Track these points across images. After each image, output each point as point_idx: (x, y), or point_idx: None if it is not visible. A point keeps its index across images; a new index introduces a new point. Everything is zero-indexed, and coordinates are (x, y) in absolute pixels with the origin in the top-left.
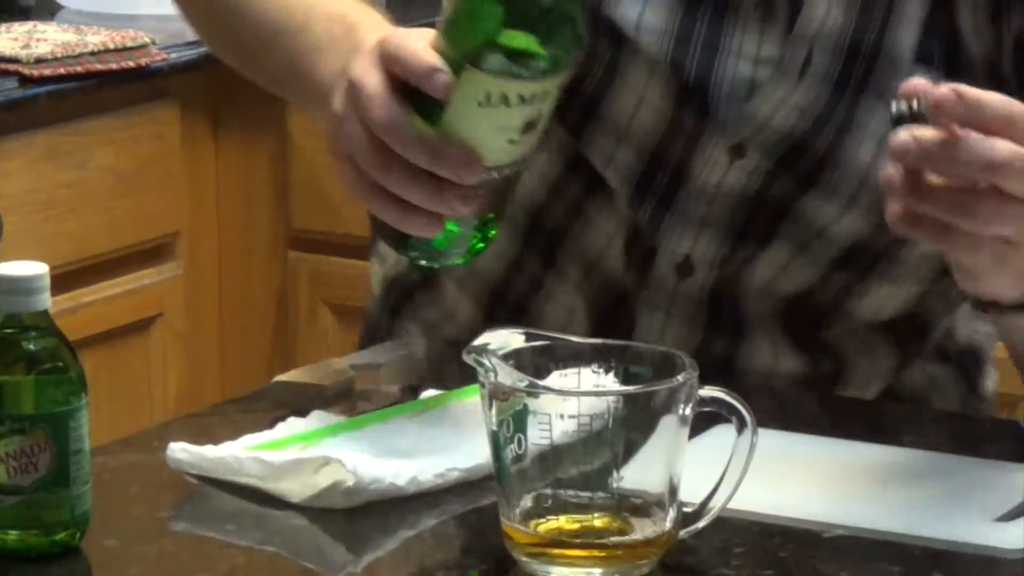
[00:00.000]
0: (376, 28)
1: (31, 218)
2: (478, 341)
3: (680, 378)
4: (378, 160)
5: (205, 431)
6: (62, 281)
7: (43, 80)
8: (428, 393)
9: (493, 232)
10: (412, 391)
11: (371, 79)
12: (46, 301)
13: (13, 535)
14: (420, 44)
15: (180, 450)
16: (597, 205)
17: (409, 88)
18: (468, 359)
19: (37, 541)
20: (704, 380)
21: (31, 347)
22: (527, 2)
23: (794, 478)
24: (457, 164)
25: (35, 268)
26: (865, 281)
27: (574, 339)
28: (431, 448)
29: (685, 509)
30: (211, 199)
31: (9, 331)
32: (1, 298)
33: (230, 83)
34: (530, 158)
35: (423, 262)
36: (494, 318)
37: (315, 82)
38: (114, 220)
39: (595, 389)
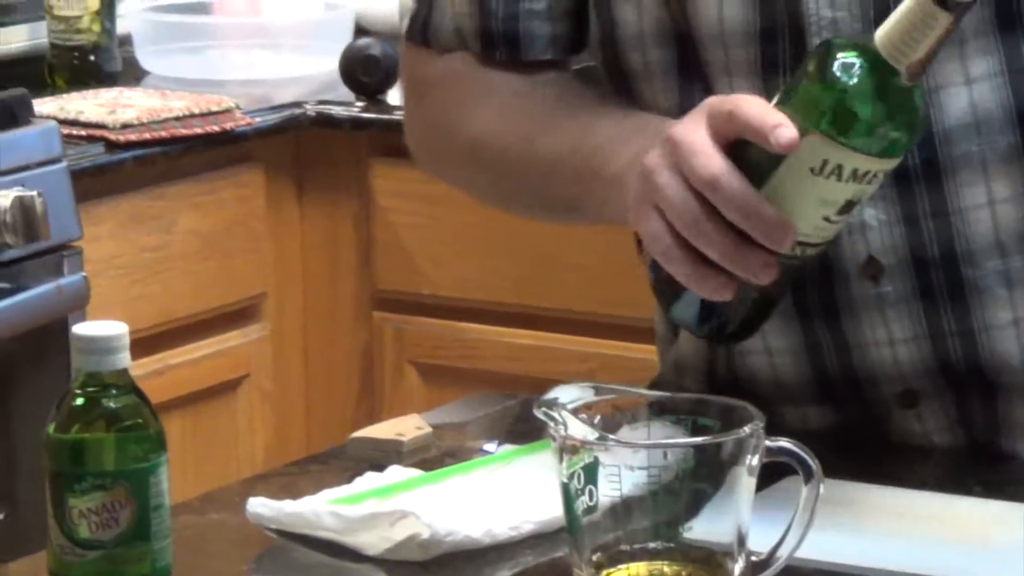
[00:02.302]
0: (669, 121)
1: (117, 282)
2: (548, 395)
3: (747, 429)
4: (690, 213)
5: (285, 487)
6: (148, 344)
7: (129, 145)
8: (505, 448)
9: (766, 317)
10: (490, 447)
11: (696, 135)
12: (126, 360)
13: None
14: (761, 103)
15: (260, 505)
16: None
17: (730, 151)
18: (538, 413)
19: None
20: None
21: (111, 405)
22: (886, 78)
23: (863, 527)
24: (772, 227)
25: (115, 328)
26: None
27: (643, 392)
28: (506, 501)
29: (753, 558)
30: (296, 260)
31: (90, 390)
32: (82, 357)
33: (314, 145)
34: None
35: (690, 328)
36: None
37: (610, 174)
38: (199, 283)
39: (664, 441)
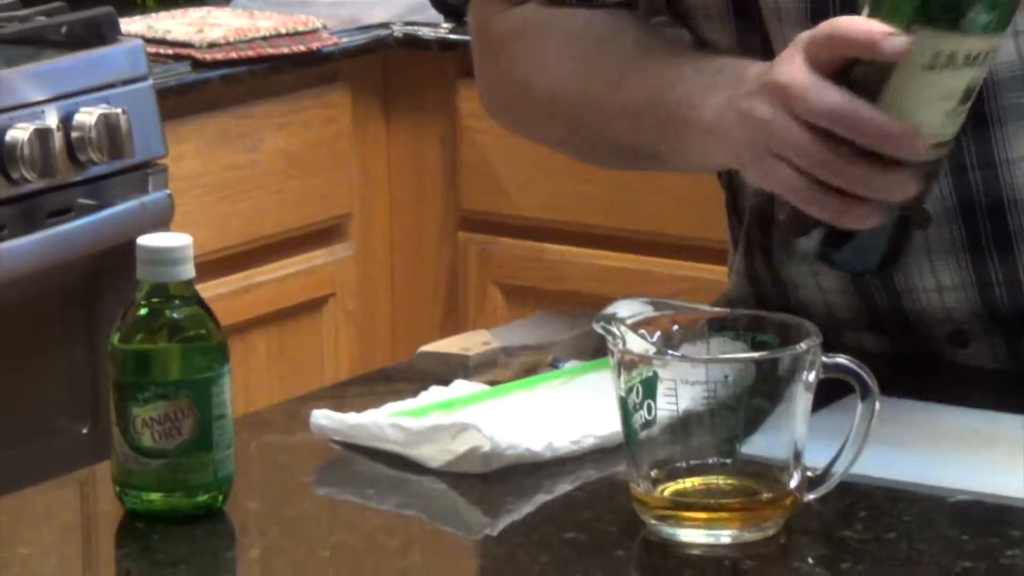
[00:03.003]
0: (745, 61)
1: (202, 200)
2: (607, 310)
3: (804, 345)
4: (819, 153)
5: (351, 401)
6: (233, 262)
7: (215, 64)
8: (570, 364)
9: (911, 235)
10: (555, 364)
11: (800, 73)
12: (190, 271)
13: (157, 497)
14: (856, 19)
15: (323, 417)
16: None
17: (835, 77)
18: (597, 327)
19: (180, 503)
20: None
21: (175, 315)
22: None
23: (921, 444)
24: (905, 139)
25: (179, 239)
26: None
27: (703, 308)
28: (569, 416)
29: (809, 474)
30: (382, 180)
31: (155, 300)
32: (146, 268)
33: (400, 67)
34: None
35: (850, 267)
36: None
37: (702, 124)
38: (285, 202)
39: (722, 356)
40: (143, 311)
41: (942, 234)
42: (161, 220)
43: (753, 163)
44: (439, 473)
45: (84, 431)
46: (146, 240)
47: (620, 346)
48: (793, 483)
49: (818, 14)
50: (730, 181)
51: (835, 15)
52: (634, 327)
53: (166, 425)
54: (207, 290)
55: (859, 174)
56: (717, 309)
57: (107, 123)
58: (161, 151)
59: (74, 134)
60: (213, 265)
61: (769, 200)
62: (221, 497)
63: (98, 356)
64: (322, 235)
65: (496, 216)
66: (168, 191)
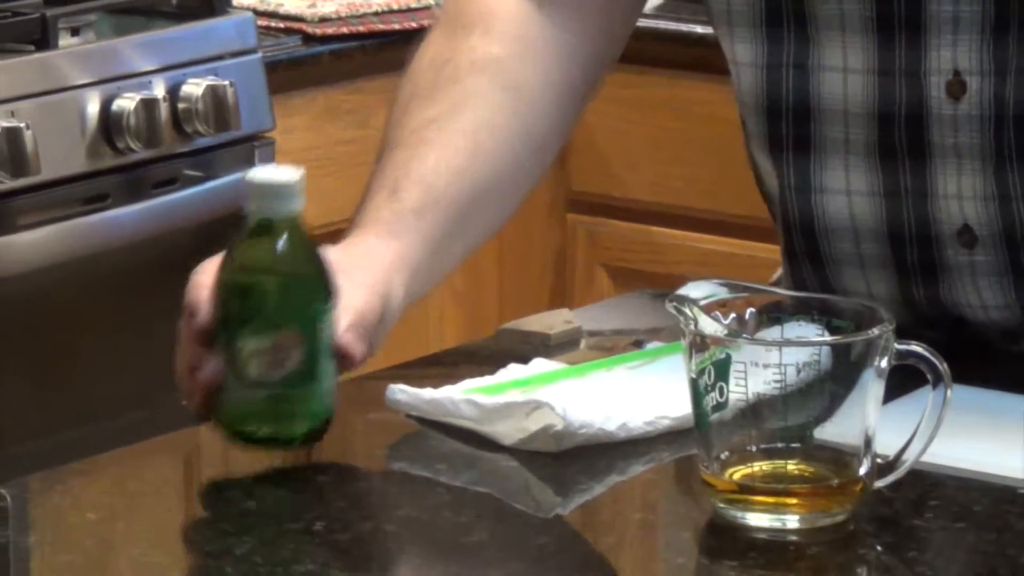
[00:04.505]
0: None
1: (310, 174)
2: (681, 291)
3: (876, 331)
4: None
5: (430, 375)
6: (340, 237)
7: (326, 39)
8: (653, 345)
9: None
10: (637, 344)
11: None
12: (299, 205)
13: (260, 428)
14: None
15: (399, 391)
16: None
17: None
18: (670, 308)
19: (284, 431)
20: None
21: (284, 249)
22: None
23: (994, 434)
24: None
25: (289, 173)
26: None
27: (777, 291)
28: (646, 396)
29: (879, 461)
30: None
31: (263, 234)
32: (256, 202)
33: None
34: None
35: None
36: None
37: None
38: None
39: (794, 340)
40: (251, 244)
41: (987, 256)
42: None
43: None
44: (512, 451)
45: (184, 402)
46: (256, 174)
47: (692, 327)
48: (863, 470)
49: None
50: (762, 190)
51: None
52: (707, 308)
53: (272, 356)
54: None
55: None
56: (791, 292)
57: (214, 95)
58: (269, 124)
59: (181, 105)
60: (320, 240)
61: (808, 206)
62: (322, 430)
63: None
64: None
65: (605, 198)
66: (275, 164)
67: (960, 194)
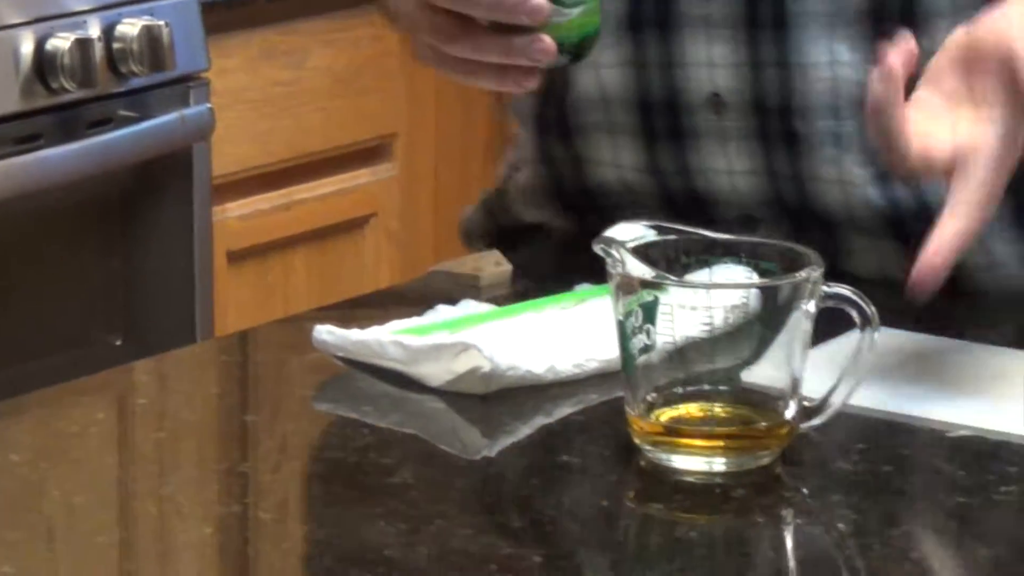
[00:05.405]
0: None
1: (245, 115)
2: (608, 232)
3: (804, 273)
4: (446, 32)
5: (358, 317)
6: (275, 179)
7: None
8: (583, 286)
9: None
10: (567, 285)
11: None
12: None
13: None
14: None
15: (326, 332)
16: None
17: None
18: (597, 249)
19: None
20: None
21: None
22: None
23: (923, 378)
24: (520, 7)
25: None
26: None
27: (706, 233)
28: (574, 338)
29: (806, 403)
30: (429, 101)
31: None
32: None
33: None
34: None
35: None
36: None
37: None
38: (330, 120)
39: (721, 282)
40: None
41: (737, 122)
42: (201, 134)
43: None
44: (439, 392)
45: (118, 343)
46: None
47: (619, 269)
48: (790, 413)
49: None
50: None
51: None
52: (634, 251)
53: None
54: (248, 205)
55: (487, 43)
56: (720, 235)
57: (149, 35)
58: (204, 65)
59: (115, 45)
60: (255, 181)
61: (563, 79)
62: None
63: (134, 267)
64: (366, 154)
65: None
66: (209, 105)
67: (711, 62)
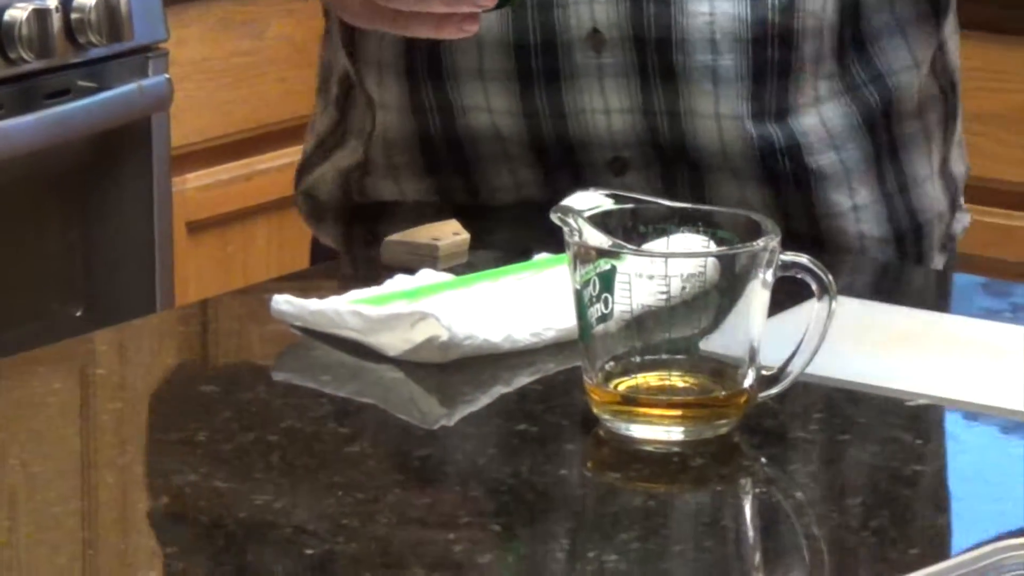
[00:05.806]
0: None
1: (205, 86)
2: (565, 201)
3: (761, 242)
4: None
5: (316, 286)
6: (234, 149)
7: None
8: (541, 256)
9: None
10: (524, 254)
11: None
12: None
13: None
14: None
15: (284, 302)
16: None
17: None
18: (554, 218)
19: None
20: None
21: None
22: None
23: (882, 347)
24: None
25: None
26: None
27: (664, 202)
28: (532, 307)
29: (764, 372)
30: None
31: None
32: None
33: None
34: None
35: None
36: None
37: None
38: (290, 90)
39: (678, 251)
40: None
41: (615, 57)
42: (160, 104)
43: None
44: (397, 362)
45: (78, 314)
46: None
47: (576, 238)
48: (748, 382)
49: None
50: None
51: None
52: (592, 219)
53: None
54: (208, 176)
55: None
56: (677, 204)
57: (107, 5)
58: (162, 35)
59: (73, 15)
60: (214, 151)
61: None
62: None
63: (93, 238)
64: None
65: None
66: (167, 75)
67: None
